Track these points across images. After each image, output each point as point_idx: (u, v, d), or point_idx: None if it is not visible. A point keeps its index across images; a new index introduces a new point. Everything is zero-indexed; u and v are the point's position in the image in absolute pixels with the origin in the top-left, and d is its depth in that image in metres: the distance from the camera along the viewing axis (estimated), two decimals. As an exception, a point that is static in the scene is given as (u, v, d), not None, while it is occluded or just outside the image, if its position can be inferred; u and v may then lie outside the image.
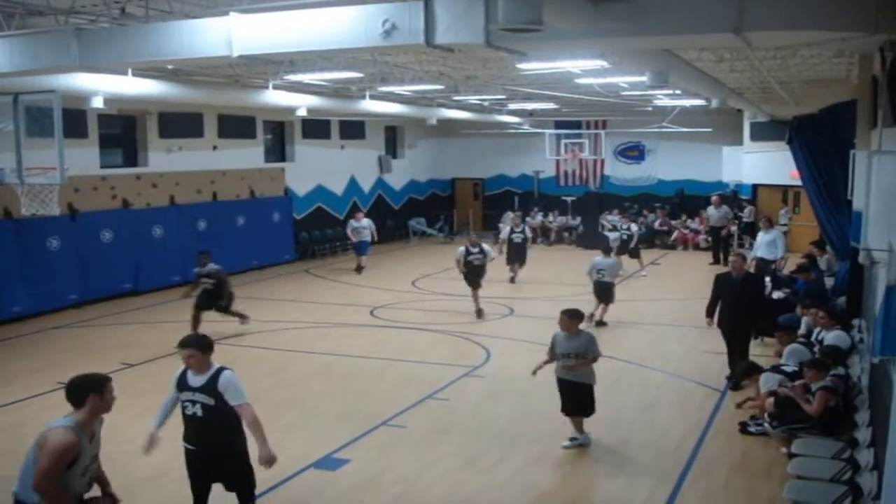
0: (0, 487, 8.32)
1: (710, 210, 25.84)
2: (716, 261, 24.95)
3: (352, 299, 19.75)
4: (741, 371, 10.83)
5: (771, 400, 9.54)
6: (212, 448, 7.24)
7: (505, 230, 22.69)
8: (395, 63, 17.00)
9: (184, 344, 7.18)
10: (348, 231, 24.41)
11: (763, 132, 27.51)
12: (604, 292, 16.73)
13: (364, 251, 24.14)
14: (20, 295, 17.70)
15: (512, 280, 21.71)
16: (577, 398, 10.03)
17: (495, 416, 11.26)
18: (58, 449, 5.68)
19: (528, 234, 22.91)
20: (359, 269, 23.74)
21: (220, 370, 7.15)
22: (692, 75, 15.85)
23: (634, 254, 23.72)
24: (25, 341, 15.91)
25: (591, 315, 16.18)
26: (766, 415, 9.61)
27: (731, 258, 12.59)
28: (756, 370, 10.40)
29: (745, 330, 12.60)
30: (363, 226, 24.13)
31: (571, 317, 9.96)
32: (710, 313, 12.68)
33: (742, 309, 12.36)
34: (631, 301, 19.37)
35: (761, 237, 18.89)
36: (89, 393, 5.94)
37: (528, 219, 31.69)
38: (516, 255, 21.74)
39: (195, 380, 7.12)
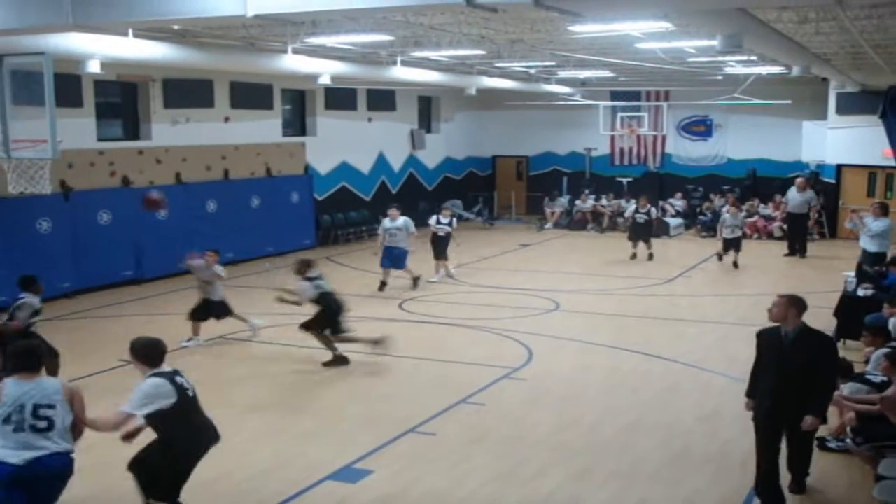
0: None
1: (792, 193, 24.91)
2: (791, 252, 24.64)
3: (378, 291, 19.74)
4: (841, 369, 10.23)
5: (852, 414, 9.40)
6: None
7: (629, 208, 25.01)
8: (430, 25, 16.91)
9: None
10: (381, 233, 20.52)
11: (851, 104, 27.22)
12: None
13: (400, 262, 20.09)
14: (5, 283, 17.70)
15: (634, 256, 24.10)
16: None
17: (536, 423, 11.22)
18: None
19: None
20: (383, 285, 19.99)
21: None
22: (770, 39, 15.61)
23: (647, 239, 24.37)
24: (13, 334, 16.06)
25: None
26: (848, 429, 9.47)
27: (772, 303, 8.57)
28: (850, 373, 10.21)
29: (792, 426, 8.51)
30: (398, 226, 20.13)
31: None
32: (753, 391, 8.88)
33: (789, 390, 8.36)
34: (693, 296, 19.27)
35: (870, 224, 18.29)
36: None
37: (577, 202, 31.71)
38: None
39: None
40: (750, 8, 12.76)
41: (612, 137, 33.65)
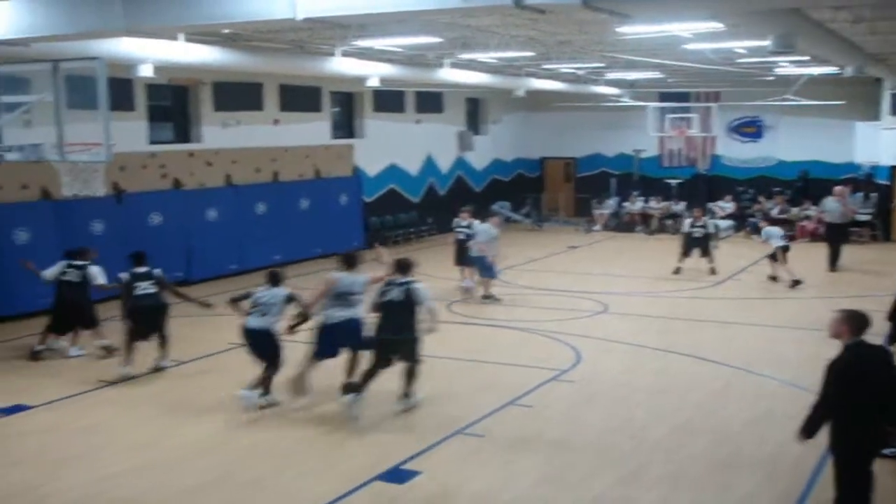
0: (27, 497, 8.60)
1: (829, 203, 23.16)
2: (833, 267, 22.38)
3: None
4: None
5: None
6: None
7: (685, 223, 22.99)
8: (478, 27, 16.96)
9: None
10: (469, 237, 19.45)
11: (906, 105, 26.92)
12: None
13: (488, 271, 19.10)
14: (59, 284, 18.11)
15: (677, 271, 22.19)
16: None
17: (585, 425, 11.21)
18: None
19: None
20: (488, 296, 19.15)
21: None
22: (824, 39, 15.47)
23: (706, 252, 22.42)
24: (65, 335, 16.30)
25: None
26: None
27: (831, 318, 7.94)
28: None
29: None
30: (491, 234, 19.11)
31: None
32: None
33: (840, 415, 7.67)
34: (742, 299, 19.12)
35: None
36: None
37: (625, 204, 31.59)
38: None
39: None
40: (803, 8, 12.67)
41: (661, 139, 33.48)
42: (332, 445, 10.51)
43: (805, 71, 24.38)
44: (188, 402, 12.17)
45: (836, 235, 22.96)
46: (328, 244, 24.88)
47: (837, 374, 7.60)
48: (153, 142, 20.95)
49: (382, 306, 11.55)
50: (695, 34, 16.79)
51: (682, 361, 14.12)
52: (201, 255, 21.18)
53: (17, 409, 11.99)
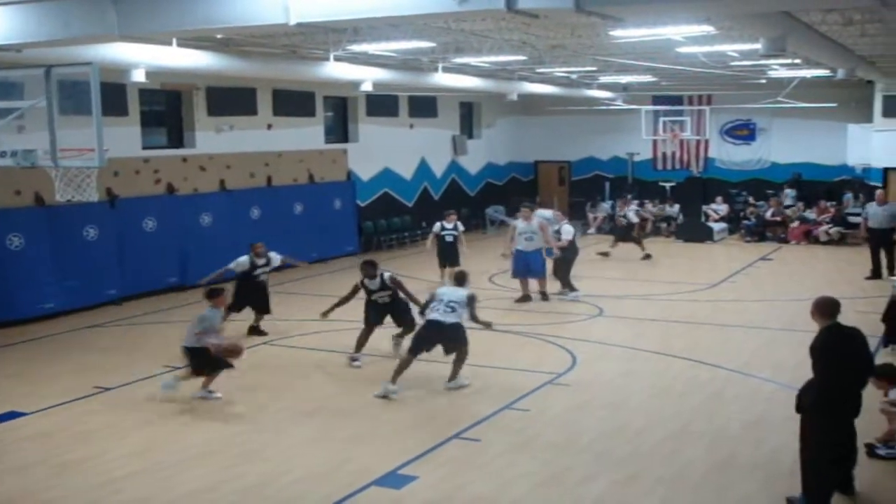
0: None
1: (873, 208, 21.71)
2: (875, 275, 21.05)
3: (422, 297, 19.68)
4: (881, 371, 9.91)
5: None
6: None
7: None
8: (471, 31, 16.95)
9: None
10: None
11: (898, 107, 26.96)
12: None
13: (533, 268, 19.41)
14: (53, 290, 18.01)
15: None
16: None
17: (581, 429, 11.15)
18: None
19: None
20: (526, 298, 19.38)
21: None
22: (815, 41, 15.49)
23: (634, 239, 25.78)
24: (59, 341, 16.21)
25: None
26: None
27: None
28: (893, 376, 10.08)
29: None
30: (534, 230, 19.48)
31: None
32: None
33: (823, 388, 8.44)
34: (738, 301, 19.10)
35: None
36: None
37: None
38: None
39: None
40: (793, 11, 12.66)
41: (655, 142, 33.54)
42: (330, 450, 10.45)
43: (797, 73, 24.41)
44: (186, 407, 12.10)
45: (884, 242, 21.34)
46: (323, 248, 24.87)
47: (816, 351, 8.42)
48: (146, 147, 20.86)
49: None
50: (687, 37, 16.80)
51: (678, 364, 14.07)
52: (196, 260, 21.05)
53: (11, 415, 11.92)
